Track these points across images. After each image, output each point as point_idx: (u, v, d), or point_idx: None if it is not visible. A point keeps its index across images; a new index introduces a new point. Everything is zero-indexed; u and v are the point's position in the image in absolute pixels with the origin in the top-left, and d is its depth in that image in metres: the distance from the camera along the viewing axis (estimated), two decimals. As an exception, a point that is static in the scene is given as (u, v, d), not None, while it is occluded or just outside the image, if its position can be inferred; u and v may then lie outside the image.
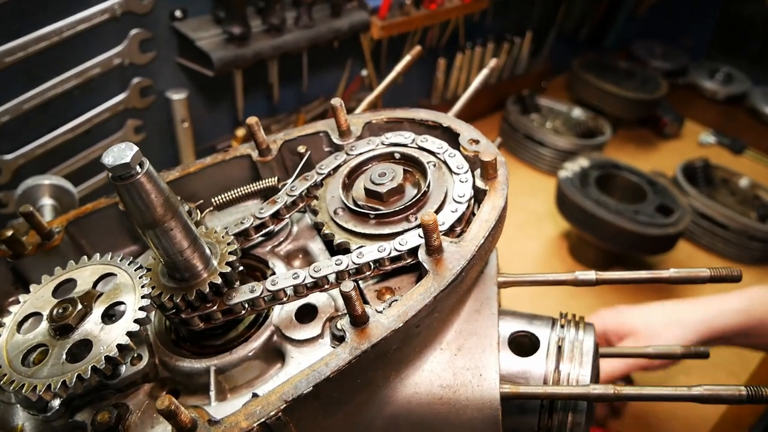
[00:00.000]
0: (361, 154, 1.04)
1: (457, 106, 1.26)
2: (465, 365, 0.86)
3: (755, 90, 3.72)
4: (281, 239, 1.04)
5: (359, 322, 0.78)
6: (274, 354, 0.91)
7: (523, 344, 0.95)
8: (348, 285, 0.75)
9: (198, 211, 1.06)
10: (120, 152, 0.73)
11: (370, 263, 0.88)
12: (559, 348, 0.93)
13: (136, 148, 0.74)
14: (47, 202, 1.49)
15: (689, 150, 3.57)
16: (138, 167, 0.74)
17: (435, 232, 0.81)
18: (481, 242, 0.85)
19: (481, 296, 0.92)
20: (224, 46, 2.01)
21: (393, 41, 2.68)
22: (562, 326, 0.96)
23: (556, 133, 3.30)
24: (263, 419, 0.72)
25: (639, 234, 2.41)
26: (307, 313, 0.92)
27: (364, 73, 2.66)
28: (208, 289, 0.86)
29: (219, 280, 0.86)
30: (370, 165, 1.02)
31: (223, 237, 0.92)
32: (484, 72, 1.34)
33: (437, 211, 0.92)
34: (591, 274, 0.98)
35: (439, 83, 3.21)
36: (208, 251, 0.88)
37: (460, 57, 3.17)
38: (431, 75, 3.20)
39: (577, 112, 3.50)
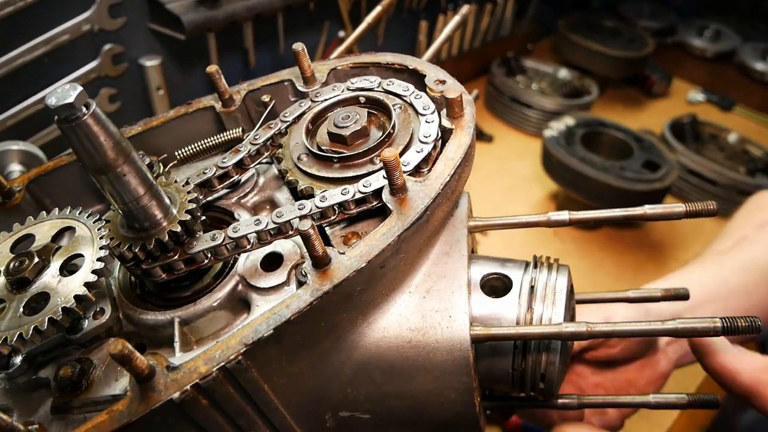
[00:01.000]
0: (325, 100, 1.01)
1: (429, 52, 1.23)
2: (434, 307, 0.85)
3: (744, 46, 3.67)
4: (247, 190, 1.01)
5: (321, 263, 0.76)
6: (240, 304, 0.89)
7: (496, 287, 0.93)
8: (305, 224, 0.72)
9: (161, 164, 1.03)
10: (64, 93, 0.70)
11: (335, 207, 0.86)
12: (532, 288, 0.91)
13: (80, 88, 0.71)
14: (16, 168, 1.46)
15: (678, 108, 3.54)
16: (84, 108, 0.71)
17: (397, 170, 0.79)
18: (446, 180, 0.83)
19: (451, 239, 0.90)
20: (195, 8, 1.96)
21: (371, 1, 2.62)
22: (535, 268, 0.94)
23: (542, 94, 3.26)
24: (223, 363, 0.70)
25: (625, 190, 2.39)
26: (272, 262, 0.89)
27: (342, 34, 2.61)
28: (167, 238, 0.83)
29: (179, 228, 0.84)
30: (334, 110, 0.99)
31: (183, 186, 0.89)
32: (457, 18, 1.30)
33: (403, 153, 0.89)
34: (564, 214, 0.96)
35: (421, 47, 3.16)
36: (167, 200, 0.86)
37: (442, 19, 3.12)
38: (414, 38, 3.14)
39: (564, 73, 3.46)
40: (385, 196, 0.83)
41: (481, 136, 3.24)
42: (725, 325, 0.80)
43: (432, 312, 0.84)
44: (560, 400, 1.05)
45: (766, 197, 1.79)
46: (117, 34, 2.07)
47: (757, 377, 0.86)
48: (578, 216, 0.95)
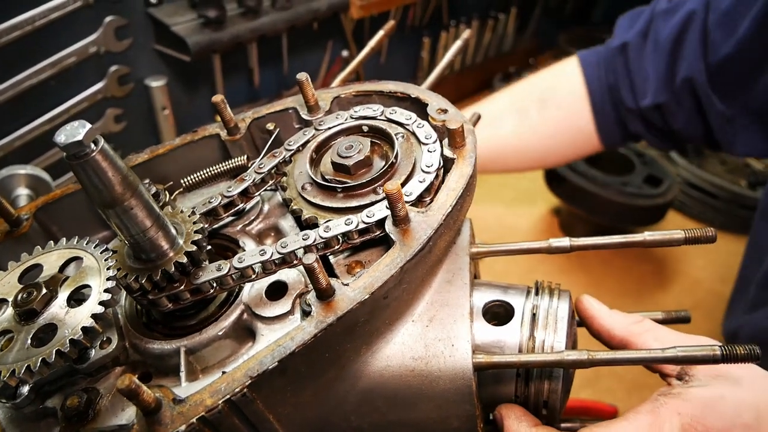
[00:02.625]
0: (329, 128, 1.02)
1: (430, 78, 1.25)
2: (437, 336, 0.85)
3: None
4: (252, 218, 1.03)
5: (325, 295, 0.77)
6: (245, 333, 0.90)
7: (499, 314, 0.94)
8: (309, 257, 0.73)
9: (167, 192, 1.04)
10: (73, 130, 0.72)
11: (338, 237, 0.87)
12: (534, 315, 0.91)
13: (89, 125, 0.72)
14: (23, 192, 1.48)
15: (679, 122, 3.55)
16: (92, 145, 0.73)
17: (399, 202, 0.80)
18: (449, 210, 0.84)
19: (453, 267, 0.91)
20: (200, 30, 1.99)
21: (375, 21, 2.65)
22: (537, 294, 0.95)
23: (544, 109, 3.28)
24: (228, 396, 0.71)
25: (628, 205, 2.40)
26: (277, 291, 0.91)
27: (346, 53, 2.64)
28: (173, 269, 0.84)
29: (185, 259, 0.85)
30: (337, 139, 1.00)
31: (189, 216, 0.91)
32: (458, 44, 1.32)
33: (405, 182, 0.90)
34: (565, 241, 0.96)
35: (424, 63, 3.19)
36: (173, 231, 0.87)
37: (445, 36, 3.15)
38: (417, 55, 3.17)
39: (566, 88, 3.47)
40: (388, 227, 0.84)
41: (483, 151, 3.25)
42: (724, 353, 0.80)
43: (435, 341, 0.85)
44: (563, 425, 1.05)
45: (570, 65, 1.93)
46: (123, 56, 2.10)
47: (627, 330, 0.97)
48: (579, 243, 0.96)
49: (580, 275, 2.61)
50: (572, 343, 0.95)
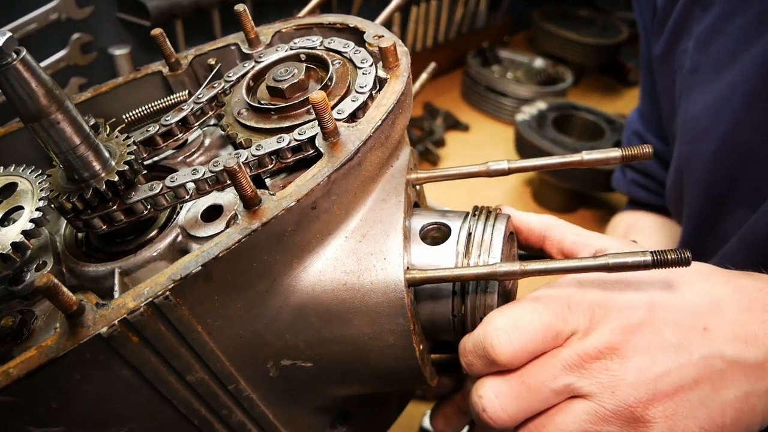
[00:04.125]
0: (268, 59, 1.02)
1: (382, 16, 1.25)
2: (369, 250, 0.86)
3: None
4: (193, 149, 1.03)
5: (251, 204, 0.77)
6: (180, 254, 0.90)
7: (437, 238, 0.95)
8: (231, 161, 0.74)
9: (108, 126, 1.04)
10: (-8, 39, 0.72)
11: (271, 155, 0.87)
12: (469, 235, 0.92)
13: (9, 34, 0.73)
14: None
15: (653, 95, 3.57)
16: (13, 54, 0.73)
17: (326, 112, 0.80)
18: (378, 124, 0.85)
19: (388, 187, 0.92)
20: (161, -6, 1.98)
21: (342, -9, 2.65)
22: (474, 216, 0.95)
23: (517, 82, 3.30)
24: (150, 299, 0.71)
25: (596, 170, 2.41)
26: (213, 213, 0.91)
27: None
28: (105, 187, 0.84)
29: (116, 178, 0.85)
30: (275, 68, 1.01)
31: (123, 140, 0.91)
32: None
33: (338, 103, 0.91)
34: (503, 163, 0.97)
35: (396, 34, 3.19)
36: (106, 153, 0.87)
37: (416, 10, 3.15)
38: (387, 25, 3.16)
39: (539, 62, 3.49)
40: (318, 141, 0.84)
41: (457, 125, 3.26)
42: (655, 258, 0.81)
43: (367, 255, 0.86)
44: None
45: (620, 219, 2.11)
46: (85, 23, 2.09)
47: (545, 223, 1.03)
48: (517, 165, 0.97)
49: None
50: None
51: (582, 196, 2.72)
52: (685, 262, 0.81)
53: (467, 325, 0.94)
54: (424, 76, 1.33)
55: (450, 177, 0.99)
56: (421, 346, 0.93)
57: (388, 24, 1.31)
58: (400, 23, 3.11)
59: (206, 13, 2.18)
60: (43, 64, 2.05)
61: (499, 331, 0.85)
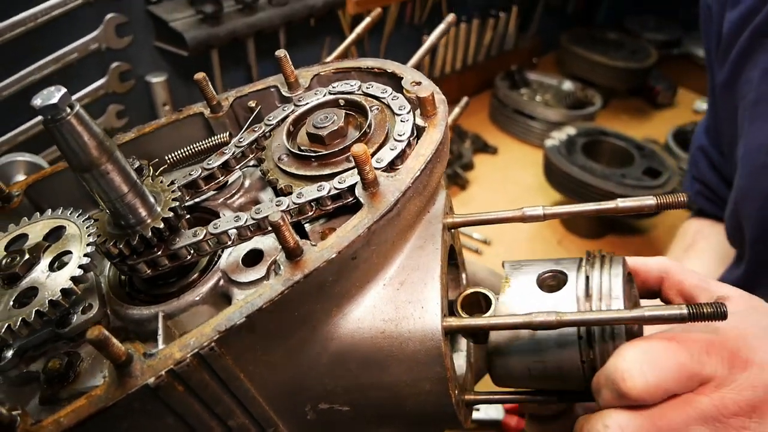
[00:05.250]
0: (307, 103, 1.05)
1: (413, 59, 1.26)
2: (407, 299, 0.87)
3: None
4: (233, 191, 1.05)
5: (293, 255, 0.79)
6: (222, 299, 0.92)
7: (552, 286, 0.94)
8: (275, 215, 0.75)
9: (151, 168, 1.07)
10: (49, 94, 0.76)
11: (311, 203, 0.89)
12: (587, 278, 0.91)
13: (64, 90, 0.76)
14: (21, 178, 1.52)
15: (684, 117, 3.55)
16: (68, 108, 0.76)
17: (367, 164, 0.82)
18: (417, 174, 0.86)
19: (425, 234, 0.93)
20: (198, 25, 2.03)
21: (373, 18, 2.68)
22: (589, 261, 0.95)
23: (545, 105, 3.29)
24: (196, 350, 0.73)
25: (626, 197, 2.39)
26: (253, 258, 0.93)
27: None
28: (150, 234, 0.87)
29: (161, 225, 0.87)
30: (314, 113, 1.03)
31: (168, 186, 0.94)
32: (441, 27, 1.33)
33: (377, 150, 0.92)
34: (539, 209, 0.97)
35: (424, 61, 3.21)
36: (152, 199, 0.90)
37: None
38: (416, 52, 3.19)
39: (568, 85, 3.48)
40: (358, 191, 0.86)
41: (485, 147, 3.27)
42: (691, 311, 0.81)
43: (405, 303, 0.87)
44: None
45: (688, 225, 2.07)
46: (124, 52, 2.15)
47: (663, 264, 1.02)
48: (552, 211, 0.97)
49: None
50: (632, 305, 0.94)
51: (611, 222, 2.71)
52: (721, 316, 0.80)
53: (596, 369, 0.92)
54: (456, 110, 1.34)
55: (486, 222, 0.99)
56: (455, 391, 0.93)
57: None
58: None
59: (241, 43, 2.23)
60: (83, 92, 2.11)
61: (632, 363, 0.80)
